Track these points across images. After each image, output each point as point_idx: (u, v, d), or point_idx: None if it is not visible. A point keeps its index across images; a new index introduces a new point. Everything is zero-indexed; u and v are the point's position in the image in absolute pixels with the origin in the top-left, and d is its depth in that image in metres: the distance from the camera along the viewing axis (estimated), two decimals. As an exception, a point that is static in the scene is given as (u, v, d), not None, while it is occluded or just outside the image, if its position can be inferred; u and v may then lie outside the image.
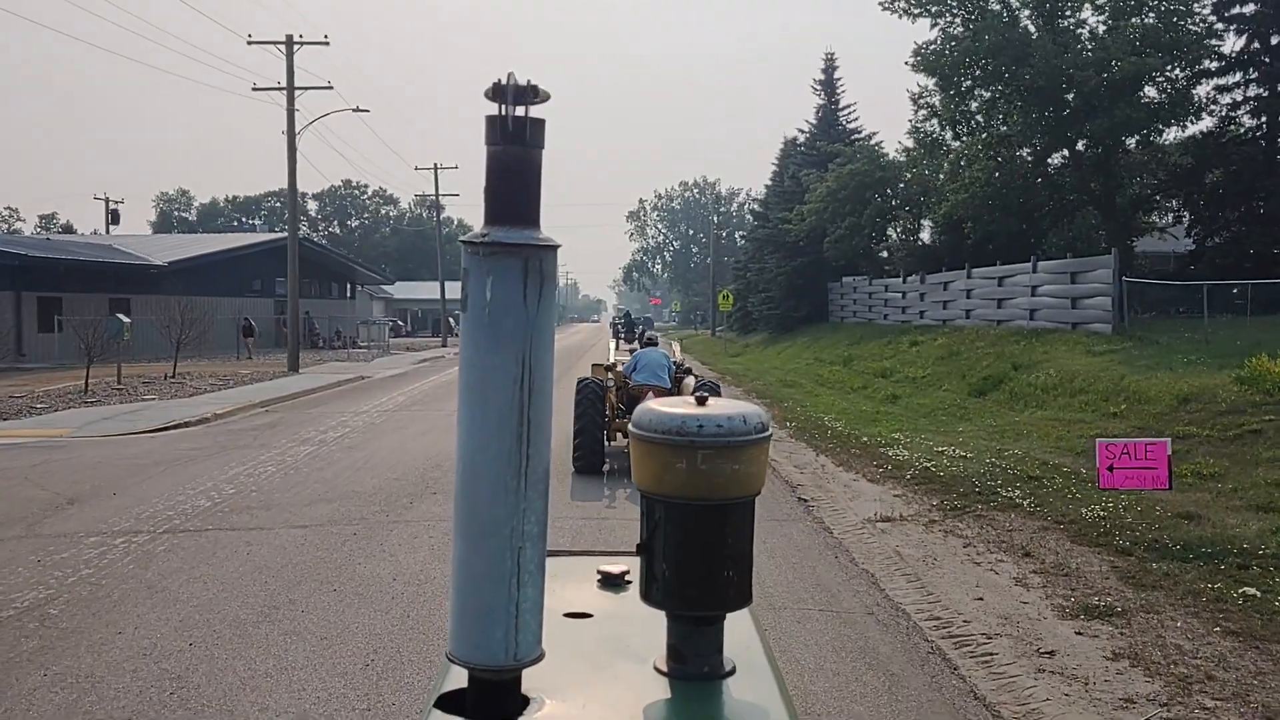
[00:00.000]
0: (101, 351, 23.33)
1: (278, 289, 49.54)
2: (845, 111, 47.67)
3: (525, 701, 1.33)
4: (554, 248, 1.24)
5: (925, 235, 38.67)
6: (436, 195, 55.99)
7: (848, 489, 11.84)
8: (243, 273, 46.00)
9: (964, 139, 33.56)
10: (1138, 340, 19.59)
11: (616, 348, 19.99)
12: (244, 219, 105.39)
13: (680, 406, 1.44)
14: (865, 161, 38.64)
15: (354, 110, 33.88)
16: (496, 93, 1.20)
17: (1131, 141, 27.73)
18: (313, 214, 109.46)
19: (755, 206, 59.66)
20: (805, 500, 11.18)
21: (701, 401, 1.45)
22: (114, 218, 59.39)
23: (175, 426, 17.68)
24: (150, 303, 36.31)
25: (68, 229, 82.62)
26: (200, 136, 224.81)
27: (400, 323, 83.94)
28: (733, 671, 1.49)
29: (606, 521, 9.87)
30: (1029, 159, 29.63)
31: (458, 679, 1.34)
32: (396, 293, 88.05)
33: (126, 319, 25.30)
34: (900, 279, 35.09)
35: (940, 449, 13.92)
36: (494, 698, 1.29)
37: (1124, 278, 21.34)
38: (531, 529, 1.26)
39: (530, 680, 1.33)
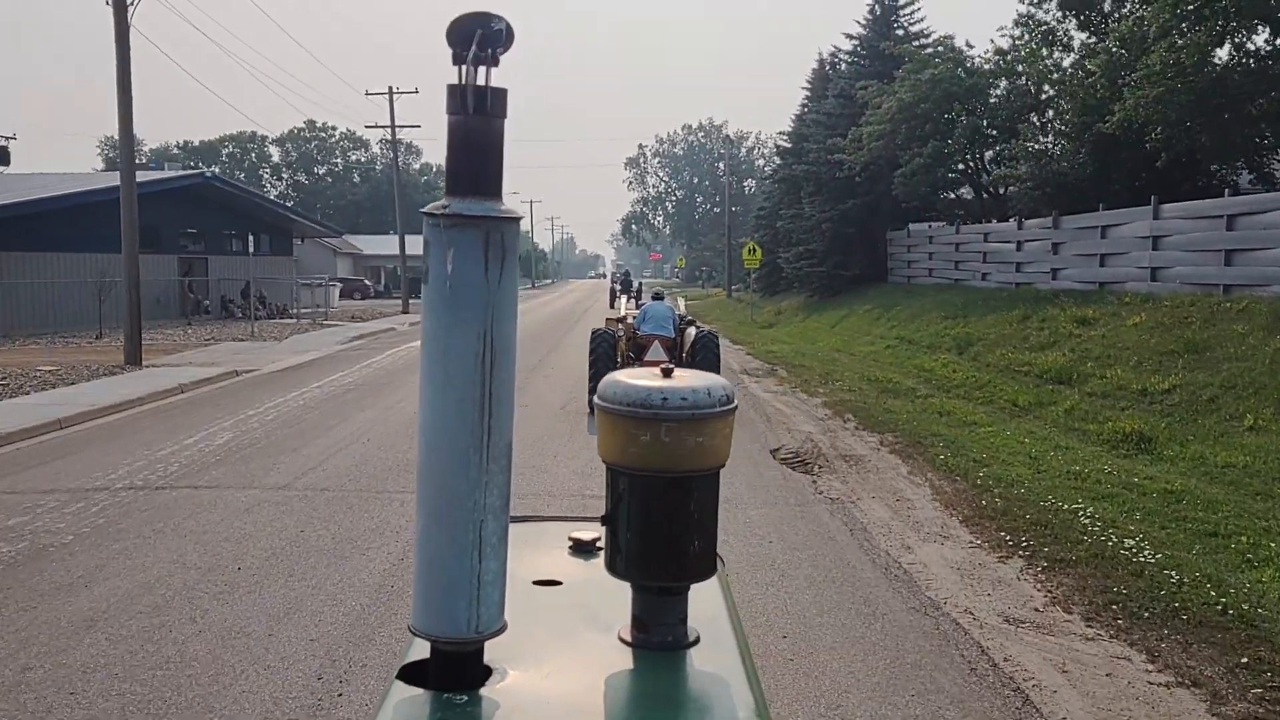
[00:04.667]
0: None
1: (185, 244, 39.10)
2: (906, 10, 36.79)
3: (487, 672, 1.30)
4: (516, 219, 1.21)
5: (1024, 166, 27.92)
6: (392, 126, 45.22)
7: None
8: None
9: (1094, 26, 23.93)
10: None
11: (614, 303, 20.56)
12: (199, 164, 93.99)
13: (646, 379, 1.38)
14: (947, 65, 28.04)
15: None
16: (457, 57, 1.16)
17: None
18: (275, 161, 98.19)
19: (782, 142, 48.75)
20: None
21: (667, 373, 1.40)
22: (2, 156, 48.15)
23: None
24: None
25: None
26: (147, 77, 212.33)
27: (368, 281, 73.84)
28: (696, 641, 1.44)
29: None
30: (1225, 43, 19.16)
31: (421, 650, 1.32)
32: (366, 247, 78.04)
33: None
34: (1013, 224, 24.82)
35: None
36: (456, 669, 1.27)
37: None
38: (494, 502, 1.23)
39: (493, 651, 1.31)
